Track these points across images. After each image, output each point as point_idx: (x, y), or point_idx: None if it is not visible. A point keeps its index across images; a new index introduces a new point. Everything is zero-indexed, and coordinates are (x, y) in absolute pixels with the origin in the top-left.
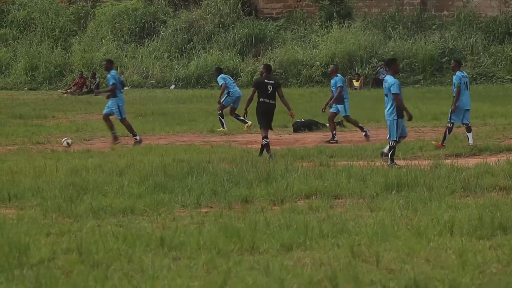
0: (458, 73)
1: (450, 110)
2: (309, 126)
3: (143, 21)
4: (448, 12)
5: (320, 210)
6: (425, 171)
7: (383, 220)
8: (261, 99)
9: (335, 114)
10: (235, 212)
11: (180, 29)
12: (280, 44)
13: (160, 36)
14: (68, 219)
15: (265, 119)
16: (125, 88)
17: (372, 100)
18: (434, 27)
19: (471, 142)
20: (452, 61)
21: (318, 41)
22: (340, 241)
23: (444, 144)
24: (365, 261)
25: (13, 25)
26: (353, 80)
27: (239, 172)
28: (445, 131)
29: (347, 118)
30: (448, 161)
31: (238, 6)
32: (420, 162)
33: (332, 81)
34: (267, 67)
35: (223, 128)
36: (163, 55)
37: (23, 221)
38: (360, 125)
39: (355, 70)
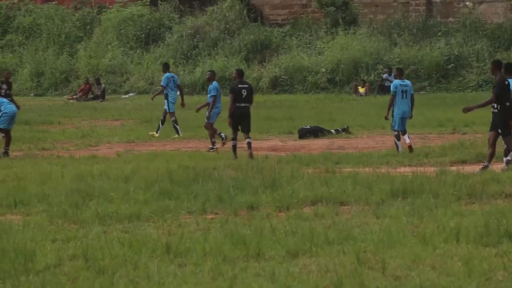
0: (396, 81)
1: (385, 117)
2: (315, 132)
3: (149, 27)
4: (454, 18)
5: (325, 217)
6: (431, 178)
7: (389, 227)
8: (236, 104)
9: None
10: (240, 219)
11: (185, 35)
12: (285, 51)
13: (165, 42)
14: (74, 225)
15: (241, 122)
16: (130, 94)
17: (378, 107)
18: (439, 33)
19: (408, 141)
20: (395, 69)
21: (324, 47)
22: (346, 248)
23: (399, 151)
24: (371, 268)
25: (19, 31)
26: (358, 87)
27: (245, 179)
28: (394, 140)
29: (208, 125)
30: (454, 168)
31: (244, 13)
32: (425, 168)
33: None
34: (239, 72)
35: (178, 134)
36: (169, 61)
37: (29, 227)
38: (215, 136)
39: (360, 76)
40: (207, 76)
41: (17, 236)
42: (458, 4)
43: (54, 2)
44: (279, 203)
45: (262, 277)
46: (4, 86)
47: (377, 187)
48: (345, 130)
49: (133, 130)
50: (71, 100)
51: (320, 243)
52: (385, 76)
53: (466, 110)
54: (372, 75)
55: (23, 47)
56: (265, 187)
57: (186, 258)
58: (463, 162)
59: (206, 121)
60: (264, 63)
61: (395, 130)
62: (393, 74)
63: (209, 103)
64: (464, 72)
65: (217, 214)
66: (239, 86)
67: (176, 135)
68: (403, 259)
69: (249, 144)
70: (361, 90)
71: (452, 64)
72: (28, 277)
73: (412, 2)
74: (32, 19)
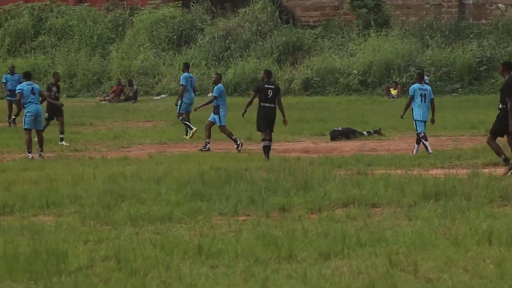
0: (415, 85)
1: (400, 117)
2: (347, 134)
3: (181, 28)
4: (486, 20)
5: (357, 219)
6: (463, 180)
7: (421, 229)
8: (261, 104)
9: (212, 123)
10: (272, 221)
11: (217, 37)
12: (317, 52)
13: (197, 44)
14: (106, 226)
15: (265, 122)
16: (162, 96)
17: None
18: (472, 35)
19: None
20: (415, 73)
21: (356, 49)
22: (378, 250)
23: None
24: (403, 270)
25: (51, 33)
26: (390, 89)
27: (277, 180)
28: (422, 142)
29: (222, 128)
30: (486, 170)
31: (276, 14)
32: (458, 171)
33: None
34: (267, 73)
35: (192, 129)
36: (201, 63)
37: (61, 228)
38: (233, 137)
39: (392, 78)
40: (213, 78)
41: (49, 237)
42: (491, 6)
43: (86, 4)
44: (311, 205)
45: (294, 279)
46: (54, 89)
47: (409, 189)
48: (377, 132)
49: (165, 131)
50: (103, 102)
51: (352, 245)
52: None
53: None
54: (404, 77)
55: (55, 49)
56: (297, 189)
57: (218, 259)
58: (496, 164)
59: (221, 126)
60: (296, 65)
61: (419, 133)
62: (425, 76)
63: (214, 106)
64: (496, 74)
65: (249, 215)
66: (266, 86)
67: (186, 136)
68: (435, 261)
69: (264, 148)
70: (393, 92)
71: (484, 66)
72: (60, 278)
73: (444, 4)
74: (65, 20)
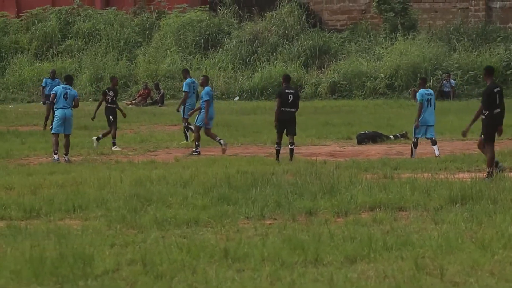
0: (421, 90)
1: (414, 126)
2: (373, 138)
3: (208, 32)
4: None
5: (384, 223)
6: (490, 184)
7: (447, 233)
8: (282, 109)
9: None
10: (299, 224)
11: (244, 41)
12: (344, 56)
13: (224, 48)
14: (132, 230)
15: (285, 126)
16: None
17: (437, 112)
18: (499, 39)
19: (437, 153)
20: (419, 79)
21: (383, 53)
22: (404, 253)
23: (412, 158)
24: (429, 274)
25: (78, 37)
26: (417, 92)
27: (303, 184)
28: (411, 146)
29: (200, 129)
30: None
31: (303, 18)
32: (484, 174)
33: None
34: (286, 78)
35: (187, 140)
36: (228, 66)
37: (88, 232)
38: (197, 143)
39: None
40: (200, 80)
41: (75, 240)
42: None
43: (113, 8)
44: (337, 209)
45: (320, 282)
46: (111, 93)
47: (436, 193)
48: (404, 135)
49: (192, 135)
50: (130, 105)
51: (378, 248)
52: (445, 82)
53: (464, 134)
54: (431, 81)
55: (82, 52)
56: (323, 192)
57: (244, 263)
58: None
59: (196, 125)
60: (322, 69)
61: (415, 137)
62: (451, 80)
63: (201, 108)
64: None
65: (275, 219)
66: (286, 91)
67: (184, 141)
68: (461, 265)
69: (291, 151)
70: None
71: (511, 70)
72: (86, 281)
73: (472, 7)
74: (91, 24)
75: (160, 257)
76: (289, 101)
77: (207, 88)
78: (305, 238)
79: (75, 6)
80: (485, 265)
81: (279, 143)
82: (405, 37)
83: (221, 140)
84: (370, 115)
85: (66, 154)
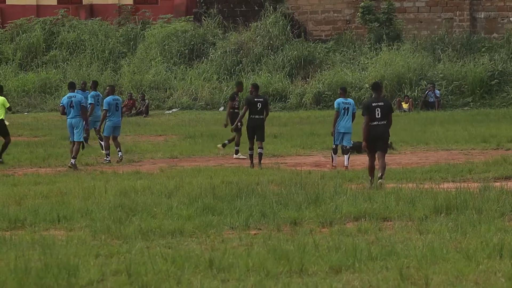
0: (339, 99)
1: (331, 133)
2: (358, 148)
3: (193, 43)
4: (498, 34)
5: (369, 233)
6: (474, 193)
7: (432, 243)
8: (251, 116)
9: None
10: (283, 234)
11: (229, 51)
12: (329, 66)
13: (209, 58)
14: (117, 240)
15: (254, 132)
16: (174, 110)
17: (421, 123)
18: (483, 49)
19: (345, 163)
20: (339, 88)
21: (367, 63)
22: (389, 263)
23: (334, 165)
24: (414, 284)
25: (63, 47)
26: (402, 102)
27: (288, 194)
28: (331, 153)
29: (105, 138)
30: (497, 183)
31: (287, 29)
32: (469, 184)
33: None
34: (255, 86)
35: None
36: (212, 77)
37: (72, 242)
38: (107, 152)
39: (404, 92)
40: (106, 90)
41: (60, 251)
42: (502, 20)
43: (98, 18)
44: (322, 219)
45: None
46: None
47: (420, 203)
48: (389, 146)
49: (177, 145)
50: None
51: (363, 258)
52: (429, 92)
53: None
54: (416, 91)
55: (67, 63)
56: (308, 202)
57: (229, 273)
58: (507, 178)
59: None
60: (307, 79)
61: (334, 144)
62: (436, 90)
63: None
64: (508, 88)
65: (260, 229)
66: (255, 99)
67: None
68: (446, 275)
69: (260, 155)
70: (405, 106)
71: (495, 80)
72: None
73: (456, 18)
74: (76, 34)
75: (145, 268)
76: (258, 109)
77: (108, 98)
78: (290, 248)
79: (60, 17)
80: (469, 275)
81: (251, 149)
82: (390, 47)
83: (120, 153)
84: (354, 125)
85: (73, 158)
